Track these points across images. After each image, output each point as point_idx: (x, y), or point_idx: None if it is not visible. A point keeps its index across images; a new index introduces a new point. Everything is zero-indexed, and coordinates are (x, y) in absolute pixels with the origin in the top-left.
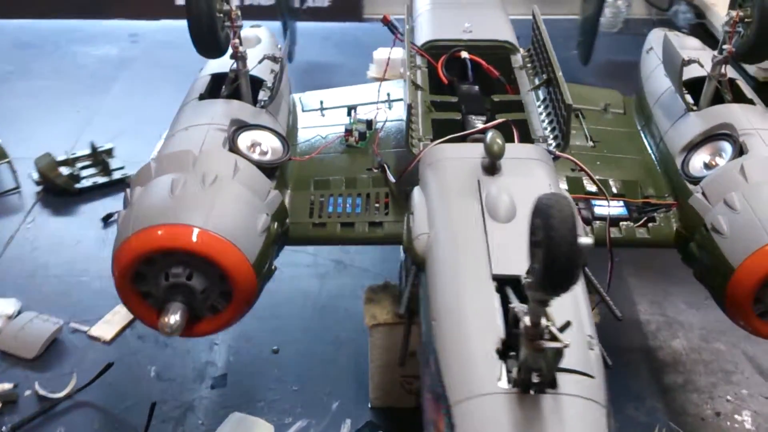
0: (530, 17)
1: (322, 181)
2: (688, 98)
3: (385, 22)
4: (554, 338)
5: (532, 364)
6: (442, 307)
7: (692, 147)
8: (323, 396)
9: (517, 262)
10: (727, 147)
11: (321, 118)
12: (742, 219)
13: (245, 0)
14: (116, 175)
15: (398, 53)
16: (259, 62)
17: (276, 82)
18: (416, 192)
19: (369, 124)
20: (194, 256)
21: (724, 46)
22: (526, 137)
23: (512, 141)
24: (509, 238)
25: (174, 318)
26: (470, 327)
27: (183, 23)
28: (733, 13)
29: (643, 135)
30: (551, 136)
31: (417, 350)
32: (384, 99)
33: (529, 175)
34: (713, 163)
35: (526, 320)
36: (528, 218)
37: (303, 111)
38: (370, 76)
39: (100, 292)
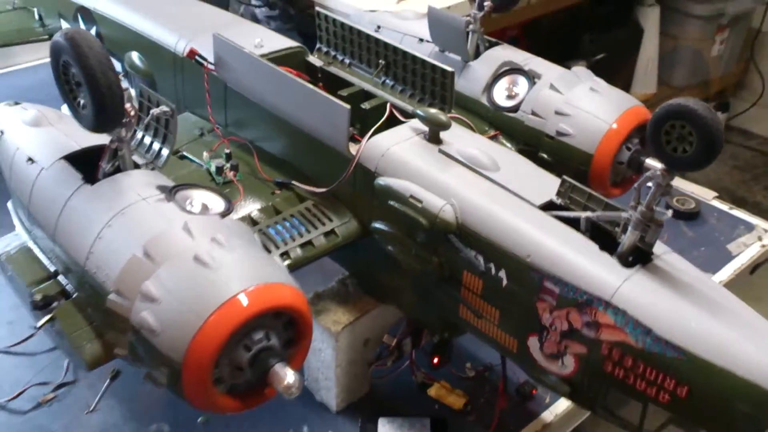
0: None
1: (246, 220)
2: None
3: (192, 55)
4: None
5: (650, 239)
6: (528, 244)
7: (488, 87)
8: (289, 429)
9: (538, 192)
10: (518, 78)
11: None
12: (578, 119)
13: None
14: None
15: None
16: (152, 119)
17: (170, 137)
18: (390, 181)
19: (228, 156)
20: (268, 315)
21: (485, 3)
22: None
23: (398, 121)
24: (514, 178)
25: (290, 375)
26: (567, 246)
27: None
28: None
29: None
30: (425, 106)
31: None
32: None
33: (464, 132)
34: (513, 93)
35: (641, 209)
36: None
37: None
38: None
39: None
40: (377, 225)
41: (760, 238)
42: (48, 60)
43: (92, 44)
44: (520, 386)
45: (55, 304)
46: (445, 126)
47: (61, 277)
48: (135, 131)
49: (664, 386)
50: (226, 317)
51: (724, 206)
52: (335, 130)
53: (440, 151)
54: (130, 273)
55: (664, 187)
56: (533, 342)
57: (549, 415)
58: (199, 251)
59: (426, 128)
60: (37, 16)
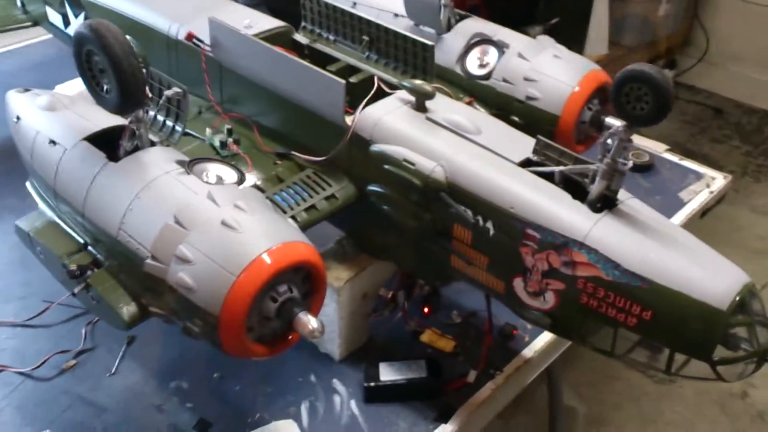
0: None
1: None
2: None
3: (189, 38)
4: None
5: (614, 186)
6: (510, 197)
7: (461, 57)
8: (298, 378)
9: (516, 151)
10: (488, 48)
11: None
12: (544, 84)
13: None
14: None
15: None
16: (165, 100)
17: (182, 116)
18: (384, 147)
19: (230, 131)
20: (289, 270)
21: None
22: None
23: (384, 92)
24: (494, 140)
25: (313, 321)
26: (544, 197)
27: None
28: None
29: None
30: (408, 77)
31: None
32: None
33: (446, 100)
34: (485, 62)
35: (606, 161)
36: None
37: None
38: None
39: None
40: (373, 188)
41: (708, 185)
42: (22, 44)
43: (116, 34)
44: (502, 328)
45: (89, 273)
46: (430, 96)
47: (90, 248)
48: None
49: (632, 312)
50: (256, 272)
51: (674, 158)
52: (332, 104)
53: (427, 118)
54: (164, 239)
55: (625, 141)
56: (518, 283)
57: (529, 351)
58: (225, 217)
59: (412, 98)
60: (19, 3)
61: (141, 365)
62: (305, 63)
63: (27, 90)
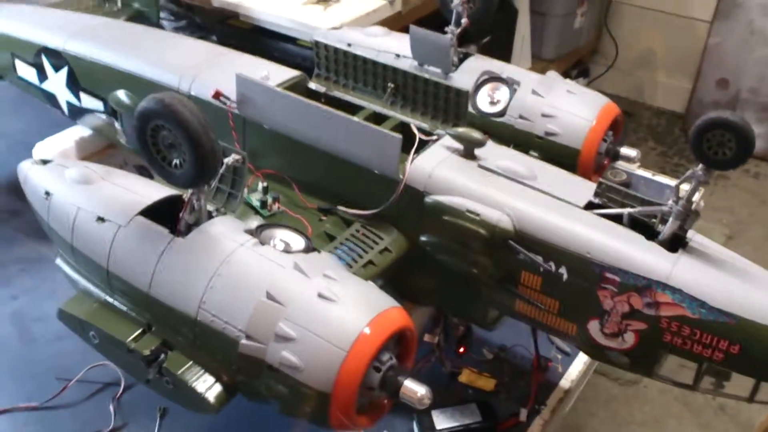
0: None
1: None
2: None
3: (217, 96)
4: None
5: (687, 226)
6: (586, 242)
7: (471, 96)
8: None
9: (576, 194)
10: (499, 85)
11: None
12: (563, 120)
13: None
14: None
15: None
16: (224, 169)
17: (240, 182)
18: (443, 198)
19: (266, 189)
20: (392, 336)
21: (462, 20)
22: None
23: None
24: (552, 184)
25: (421, 388)
26: (620, 240)
27: None
28: None
29: None
30: (439, 123)
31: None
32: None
33: (491, 145)
34: (495, 100)
35: (682, 203)
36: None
37: None
38: None
39: None
40: (427, 238)
41: None
42: None
43: (192, 109)
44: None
45: (162, 356)
46: (481, 143)
47: (153, 329)
48: None
49: (719, 347)
50: (366, 345)
51: (647, 174)
52: (385, 159)
53: (479, 166)
54: (260, 318)
55: (703, 183)
56: (593, 325)
57: (566, 382)
58: (320, 289)
59: (456, 145)
60: None
61: None
62: (357, 119)
63: (45, 161)
